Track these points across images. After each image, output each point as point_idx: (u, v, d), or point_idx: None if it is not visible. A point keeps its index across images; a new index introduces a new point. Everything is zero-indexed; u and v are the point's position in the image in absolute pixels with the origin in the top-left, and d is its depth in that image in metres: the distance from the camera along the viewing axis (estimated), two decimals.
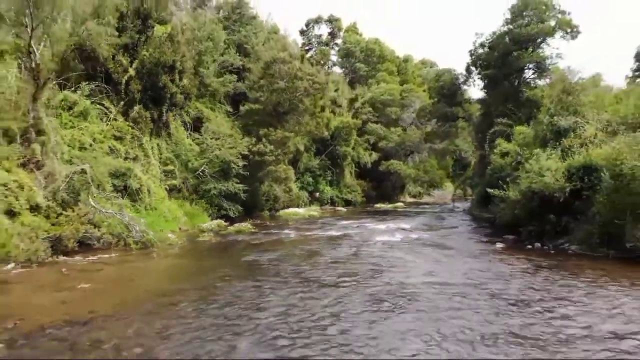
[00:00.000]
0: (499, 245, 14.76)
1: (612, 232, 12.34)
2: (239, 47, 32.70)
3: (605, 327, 6.66)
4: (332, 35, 55.02)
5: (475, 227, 20.67)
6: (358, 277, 10.01)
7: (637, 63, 38.58)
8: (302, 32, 55.03)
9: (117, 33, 18.59)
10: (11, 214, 12.25)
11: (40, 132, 14.52)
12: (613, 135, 15.74)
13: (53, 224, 13.36)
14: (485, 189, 19.86)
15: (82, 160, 15.58)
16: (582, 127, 16.51)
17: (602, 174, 13.02)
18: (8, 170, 13.37)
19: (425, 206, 38.91)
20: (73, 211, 13.59)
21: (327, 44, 53.79)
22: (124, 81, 20.13)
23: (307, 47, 53.06)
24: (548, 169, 14.68)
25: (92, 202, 14.36)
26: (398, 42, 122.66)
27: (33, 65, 14.71)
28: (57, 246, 12.81)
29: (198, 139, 24.11)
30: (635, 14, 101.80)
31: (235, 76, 30.27)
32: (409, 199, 48.69)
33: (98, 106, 18.78)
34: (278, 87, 24.43)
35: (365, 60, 51.09)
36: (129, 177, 17.42)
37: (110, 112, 19.24)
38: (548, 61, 27.04)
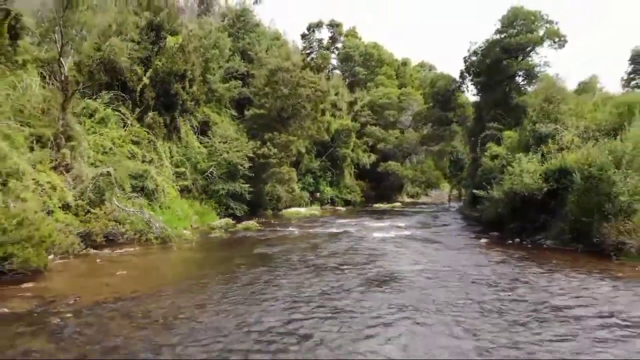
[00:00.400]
0: (483, 240, 16.40)
1: (581, 229, 13.94)
2: (243, 54, 34.29)
3: (551, 302, 8.27)
4: (333, 39, 56.75)
5: (464, 225, 22.30)
6: (354, 265, 11.65)
7: (632, 65, 40.21)
8: (303, 36, 56.71)
9: (137, 47, 20.19)
10: (46, 212, 13.88)
11: (69, 138, 16.14)
12: (589, 140, 17.34)
13: (82, 221, 14.99)
14: (474, 189, 21.46)
15: (105, 163, 17.22)
16: (561, 133, 18.11)
17: (574, 176, 14.63)
18: (42, 173, 15.01)
19: (422, 206, 40.56)
20: (100, 209, 15.22)
21: (327, 48, 55.47)
22: (138, 89, 21.77)
23: (308, 51, 54.76)
24: (528, 171, 16.31)
25: (115, 202, 15.98)
26: (400, 45, 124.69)
27: (62, 77, 16.34)
28: (87, 241, 14.40)
29: (207, 142, 25.66)
30: (633, 16, 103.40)
31: (240, 82, 31.90)
32: (407, 199, 50.30)
33: (116, 113, 20.41)
34: (282, 94, 26.04)
35: (364, 64, 52.73)
36: (146, 178, 19.02)
37: (127, 118, 20.86)
38: (537, 69, 28.64)
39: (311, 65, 49.35)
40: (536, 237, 15.66)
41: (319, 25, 56.26)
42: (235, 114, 31.90)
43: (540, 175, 15.97)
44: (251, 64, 33.18)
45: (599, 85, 48.18)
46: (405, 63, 61.69)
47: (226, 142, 25.41)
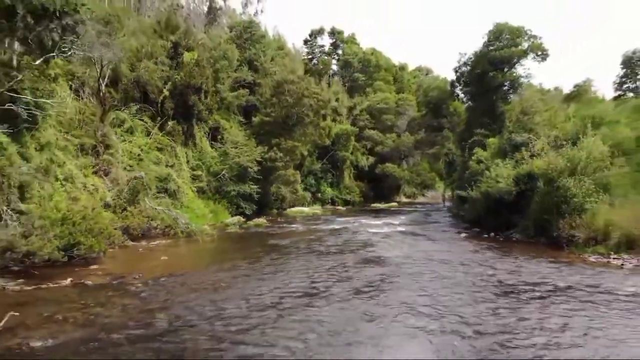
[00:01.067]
0: (463, 234, 19.16)
1: (543, 225, 16.67)
2: (249, 63, 37.01)
3: (498, 276, 11.00)
4: (334, 45, 59.43)
5: (451, 223, 25.04)
6: (352, 251, 14.44)
7: (624, 70, 42.69)
8: (305, 42, 59.44)
9: (167, 69, 22.93)
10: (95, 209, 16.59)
11: (107, 146, 18.90)
12: (558, 148, 20.05)
13: (119, 218, 17.72)
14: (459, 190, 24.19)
15: (135, 168, 19.96)
16: (533, 142, 20.83)
17: (538, 180, 17.37)
18: (86, 176, 17.77)
19: (418, 206, 43.34)
20: (135, 208, 17.96)
21: (329, 54, 58.21)
22: (159, 101, 24.53)
23: (310, 57, 57.55)
24: (502, 176, 19.05)
25: (147, 201, 18.72)
26: (400, 49, 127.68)
27: (101, 94, 19.08)
28: (126, 234, 17.15)
29: (220, 147, 28.39)
30: (632, 22, 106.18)
31: (247, 90, 34.63)
32: (404, 199, 53.03)
33: (141, 122, 23.15)
34: (287, 104, 28.80)
35: (363, 70, 55.41)
36: (169, 181, 21.81)
37: (150, 127, 23.61)
38: (521, 79, 31.37)
39: (313, 70, 52.42)
40: (507, 233, 18.40)
41: (320, 31, 58.95)
42: (243, 120, 34.66)
43: (512, 179, 18.70)
44: (257, 74, 35.93)
45: (594, 88, 50.94)
46: (402, 68, 64.50)
47: (237, 147, 28.14)
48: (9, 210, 10.91)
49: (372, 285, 10.17)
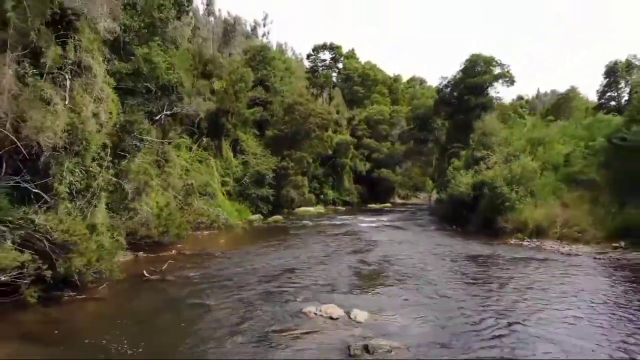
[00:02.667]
0: (433, 227, 25.89)
1: (488, 220, 23.36)
2: (261, 82, 43.71)
3: (450, 249, 17.67)
4: (334, 59, 66.20)
5: (429, 220, 31.74)
6: (349, 237, 21.14)
7: (607, 79, 48.75)
8: (308, 57, 66.34)
9: (213, 103, 29.62)
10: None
11: (167, 161, 25.54)
12: (507, 162, 26.74)
13: (181, 215, 24.35)
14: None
15: (185, 177, 26.59)
16: (490, 157, 27.56)
17: (486, 187, 24.08)
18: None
19: (409, 206, 50.04)
20: (189, 207, 24.60)
21: (330, 68, 64.99)
22: (197, 122, 31.18)
23: (313, 70, 64.30)
24: (463, 183, 25.77)
25: (196, 201, 25.37)
26: (401, 56, 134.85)
27: (162, 122, 25.71)
28: None
29: (242, 157, 35.09)
30: (631, 32, 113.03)
31: (261, 107, 41.31)
32: (398, 200, 59.68)
33: (184, 140, 29.82)
34: (297, 122, 35.50)
35: (361, 84, 62.19)
36: (208, 186, 28.48)
37: (189, 143, 30.27)
38: (493, 101, 38.17)
39: (316, 83, 59.19)
40: (465, 226, 25.12)
41: (322, 47, 65.71)
42: (257, 132, 41.33)
43: (470, 185, 25.42)
44: (268, 92, 42.63)
45: (581, 95, 57.53)
46: (396, 80, 71.28)
47: (256, 157, 34.83)
48: (133, 206, 17.54)
49: (361, 251, 16.83)
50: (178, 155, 28.36)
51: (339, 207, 46.34)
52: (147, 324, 9.49)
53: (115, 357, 7.58)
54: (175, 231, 19.16)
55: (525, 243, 19.82)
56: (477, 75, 37.24)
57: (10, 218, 9.93)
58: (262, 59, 45.39)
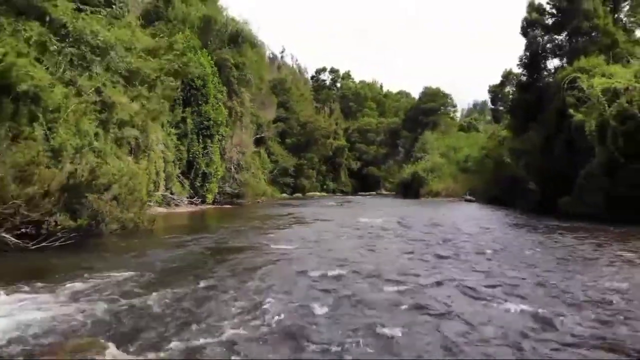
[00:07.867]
0: (389, 199, 47.16)
1: (416, 191, 44.65)
2: (282, 104, 65.08)
3: (394, 203, 38.77)
4: (334, 80, 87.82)
5: (394, 198, 52.82)
6: (341, 205, 42.44)
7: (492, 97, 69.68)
8: (312, 78, 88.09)
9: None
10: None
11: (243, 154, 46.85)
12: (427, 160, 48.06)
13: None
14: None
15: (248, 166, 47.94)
16: (425, 157, 48.82)
17: (416, 174, 45.41)
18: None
19: (390, 193, 71.22)
20: (248, 184, 45.91)
21: (329, 88, 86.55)
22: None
23: (316, 89, 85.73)
24: (407, 172, 47.17)
25: (253, 180, 46.69)
26: (393, 72, 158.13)
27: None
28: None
29: (273, 157, 56.54)
30: None
31: (282, 123, 62.68)
32: (384, 192, 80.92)
33: None
34: (308, 134, 56.90)
35: (355, 100, 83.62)
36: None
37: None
38: (442, 120, 59.57)
39: (319, 100, 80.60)
40: (407, 195, 46.42)
41: (323, 70, 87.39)
42: (279, 140, 62.67)
43: (410, 173, 46.76)
44: (287, 111, 64.03)
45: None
46: (385, 95, 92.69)
47: (282, 157, 56.21)
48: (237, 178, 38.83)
49: (349, 207, 37.97)
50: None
51: (337, 194, 67.61)
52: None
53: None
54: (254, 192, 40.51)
55: (430, 198, 41.10)
56: (429, 102, 58.47)
57: None
58: (282, 87, 66.92)
